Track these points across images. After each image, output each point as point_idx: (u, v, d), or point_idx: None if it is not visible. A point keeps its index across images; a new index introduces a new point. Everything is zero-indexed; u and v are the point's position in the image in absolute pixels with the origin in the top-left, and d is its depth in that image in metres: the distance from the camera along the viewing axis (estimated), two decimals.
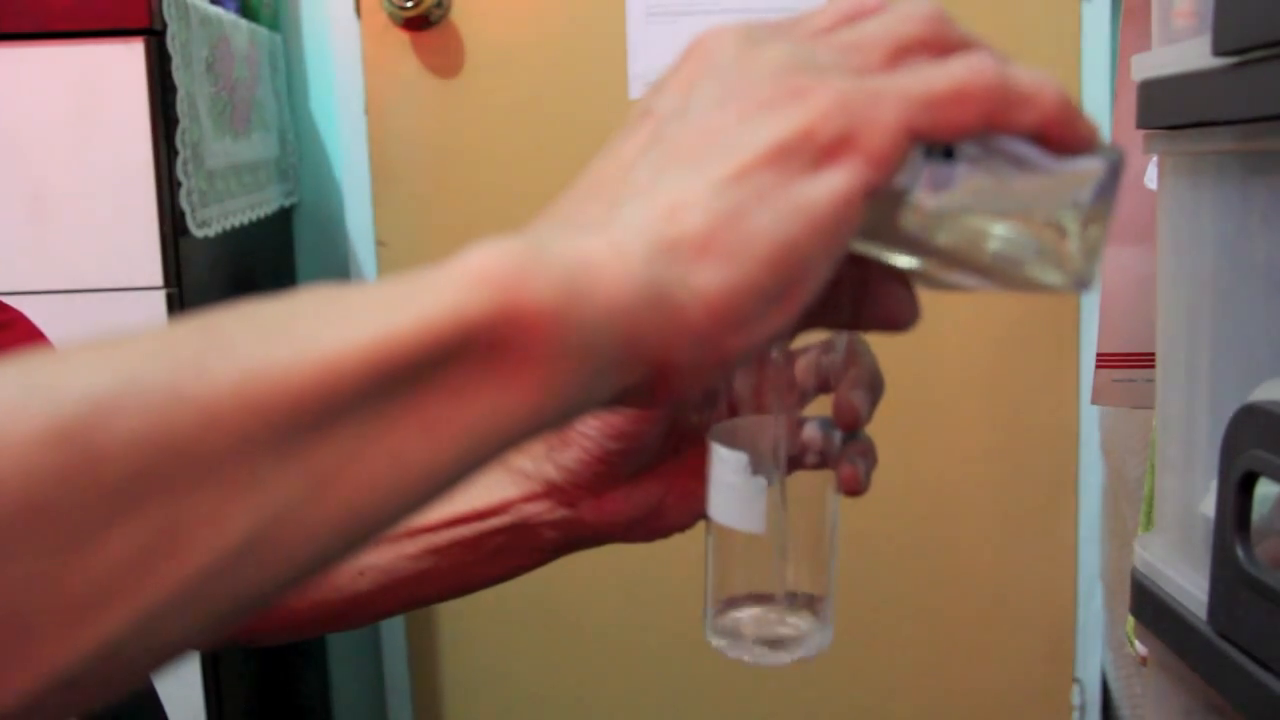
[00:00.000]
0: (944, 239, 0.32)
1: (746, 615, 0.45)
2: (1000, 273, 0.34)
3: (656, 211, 0.28)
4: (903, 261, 0.35)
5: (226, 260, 1.29)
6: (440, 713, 1.65)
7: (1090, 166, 0.33)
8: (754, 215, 0.28)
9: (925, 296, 0.38)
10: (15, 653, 0.21)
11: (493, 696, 1.64)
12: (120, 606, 0.22)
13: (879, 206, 0.30)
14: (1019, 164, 0.32)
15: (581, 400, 0.27)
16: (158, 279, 1.10)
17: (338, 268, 1.60)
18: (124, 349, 0.23)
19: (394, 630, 1.63)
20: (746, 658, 0.44)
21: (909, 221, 0.31)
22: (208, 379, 0.23)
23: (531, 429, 0.26)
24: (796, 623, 0.44)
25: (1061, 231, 0.34)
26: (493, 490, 0.49)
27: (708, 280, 0.27)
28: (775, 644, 0.44)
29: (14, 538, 0.21)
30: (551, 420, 0.27)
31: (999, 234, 0.33)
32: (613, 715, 1.64)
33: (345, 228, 1.58)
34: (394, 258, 1.57)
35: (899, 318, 0.36)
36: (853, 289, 0.35)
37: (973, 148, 0.32)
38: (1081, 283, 0.34)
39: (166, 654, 0.24)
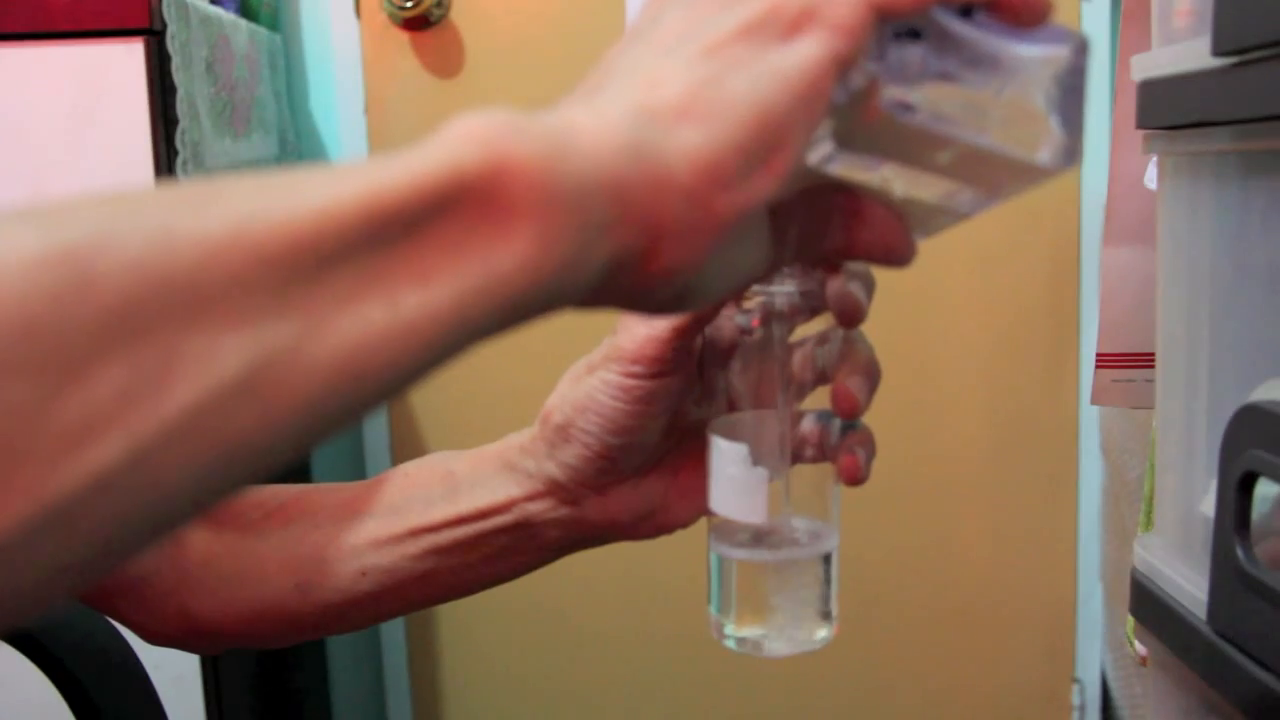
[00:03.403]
0: (925, 129, 0.32)
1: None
2: (986, 166, 0.34)
3: (635, 86, 0.30)
4: (885, 176, 0.35)
5: None
6: (440, 713, 1.65)
7: (1057, 51, 0.34)
8: (729, 81, 0.29)
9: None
10: (3, 479, 0.21)
11: (493, 696, 1.64)
12: (112, 437, 0.22)
13: (856, 104, 0.31)
14: (984, 56, 0.33)
15: (577, 261, 0.27)
16: None
17: None
18: (122, 196, 0.24)
19: (394, 630, 1.63)
20: (752, 650, 0.44)
21: (885, 104, 0.32)
22: (203, 220, 0.23)
23: (530, 291, 0.27)
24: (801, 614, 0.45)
25: (1040, 111, 0.34)
26: (495, 489, 0.49)
27: (689, 138, 0.29)
28: (779, 640, 0.44)
29: (5, 359, 0.21)
30: (549, 284, 0.27)
31: (980, 117, 0.33)
32: (613, 715, 1.64)
33: None
34: None
35: (893, 244, 0.36)
36: (844, 215, 0.35)
37: (934, 49, 0.32)
38: (1069, 155, 0.34)
39: (164, 498, 0.23)
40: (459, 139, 0.26)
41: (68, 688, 0.67)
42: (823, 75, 0.30)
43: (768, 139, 0.29)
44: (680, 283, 0.30)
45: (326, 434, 0.25)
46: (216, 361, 0.23)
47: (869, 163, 0.35)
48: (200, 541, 0.54)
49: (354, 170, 0.25)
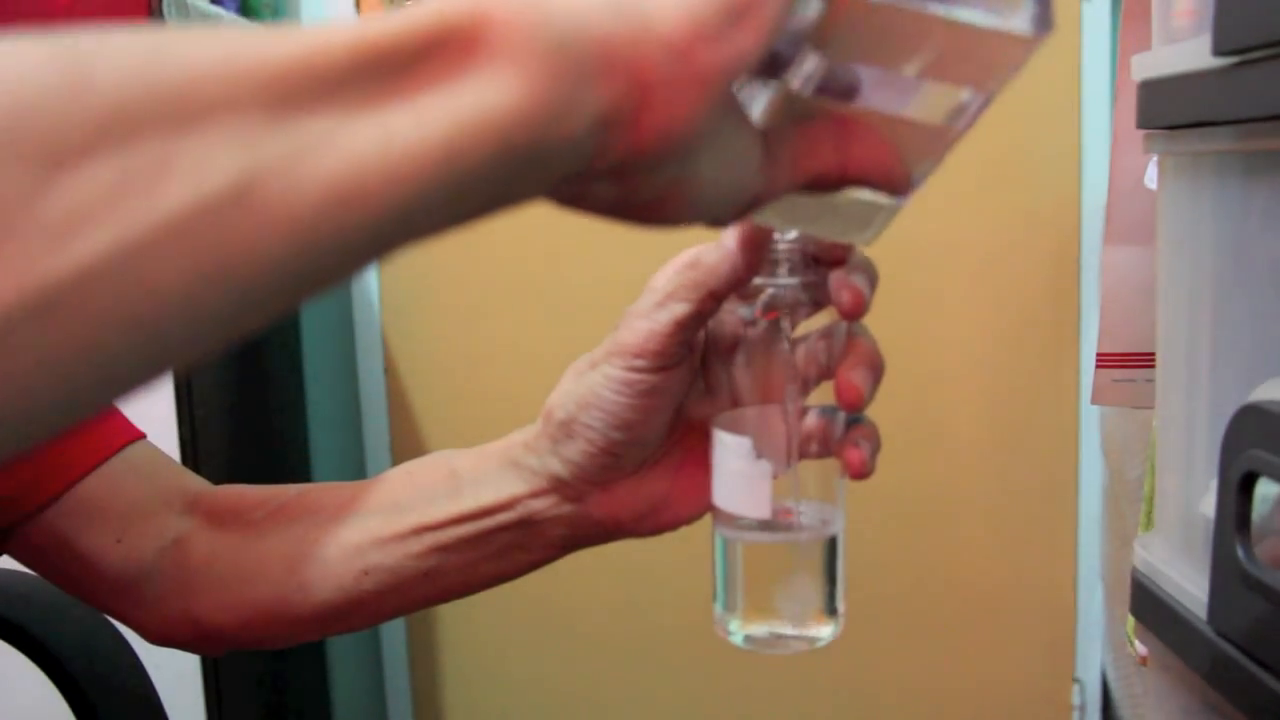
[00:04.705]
0: (899, 7, 0.33)
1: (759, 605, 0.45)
2: (964, 52, 0.34)
3: None
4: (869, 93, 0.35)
5: None
6: (440, 713, 1.65)
7: None
8: None
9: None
10: None
11: (493, 696, 1.64)
12: (103, 230, 0.22)
13: (829, 4, 0.32)
14: None
15: (565, 108, 0.27)
16: None
17: None
18: (121, 31, 0.25)
19: (394, 630, 1.63)
20: (758, 647, 0.44)
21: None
22: (195, 47, 0.24)
23: (519, 133, 0.27)
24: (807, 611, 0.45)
25: None
26: (499, 487, 0.49)
27: None
28: (785, 636, 0.44)
29: (2, 143, 0.22)
30: (538, 129, 0.27)
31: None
32: (613, 715, 1.64)
33: None
34: (394, 257, 1.56)
35: (887, 162, 0.36)
36: (835, 134, 0.36)
37: None
38: (1044, 21, 0.34)
39: (153, 303, 0.24)
40: None
41: (68, 688, 0.68)
42: None
43: None
44: (673, 151, 0.30)
45: (317, 268, 0.26)
46: (208, 170, 0.23)
47: (851, 76, 0.35)
48: (202, 542, 0.54)
49: (341, 26, 0.26)
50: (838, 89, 0.35)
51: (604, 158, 0.29)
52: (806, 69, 0.34)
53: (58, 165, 0.22)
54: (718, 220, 0.35)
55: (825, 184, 0.36)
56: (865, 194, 0.38)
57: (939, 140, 0.37)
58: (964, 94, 0.36)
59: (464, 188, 0.27)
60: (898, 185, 0.37)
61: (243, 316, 0.25)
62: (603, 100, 0.28)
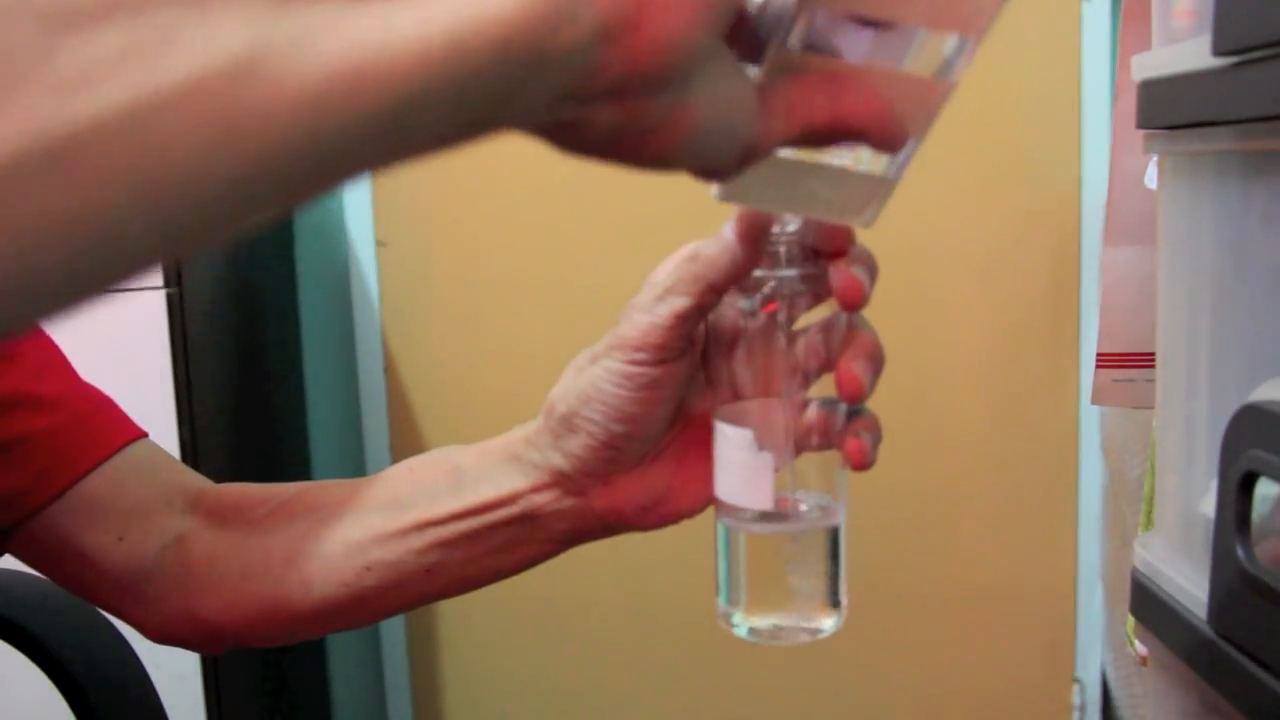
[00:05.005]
0: None
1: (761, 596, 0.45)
2: None
3: None
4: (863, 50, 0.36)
5: (226, 261, 1.29)
6: (440, 713, 1.65)
7: None
8: None
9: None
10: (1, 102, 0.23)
11: (493, 696, 1.64)
12: (108, 91, 0.23)
13: None
14: None
15: (566, 17, 0.28)
16: (158, 279, 1.10)
17: (338, 268, 1.60)
18: None
19: (394, 630, 1.63)
20: (762, 639, 0.44)
21: None
22: None
23: (520, 31, 0.27)
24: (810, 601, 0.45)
25: None
26: (500, 482, 0.49)
27: None
28: (788, 627, 0.44)
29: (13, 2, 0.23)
30: (539, 30, 0.27)
31: None
32: (613, 714, 1.64)
33: (345, 228, 1.58)
34: (394, 257, 1.56)
35: (879, 112, 0.36)
36: (828, 86, 0.36)
37: None
38: None
39: (160, 164, 0.24)
40: None
41: (68, 688, 0.68)
42: None
43: None
44: (669, 72, 0.30)
45: (318, 158, 0.26)
46: (216, 42, 0.24)
47: (841, 31, 0.35)
48: (204, 540, 0.54)
49: None
50: (828, 45, 0.35)
51: (602, 75, 0.29)
52: (797, 23, 0.35)
53: (68, 27, 0.23)
54: (712, 166, 0.35)
55: (819, 136, 0.36)
56: (863, 163, 0.38)
57: (930, 96, 0.37)
58: (950, 44, 0.36)
59: (464, 90, 0.27)
60: (893, 137, 0.36)
61: (246, 200, 0.26)
62: (601, 11, 0.28)
